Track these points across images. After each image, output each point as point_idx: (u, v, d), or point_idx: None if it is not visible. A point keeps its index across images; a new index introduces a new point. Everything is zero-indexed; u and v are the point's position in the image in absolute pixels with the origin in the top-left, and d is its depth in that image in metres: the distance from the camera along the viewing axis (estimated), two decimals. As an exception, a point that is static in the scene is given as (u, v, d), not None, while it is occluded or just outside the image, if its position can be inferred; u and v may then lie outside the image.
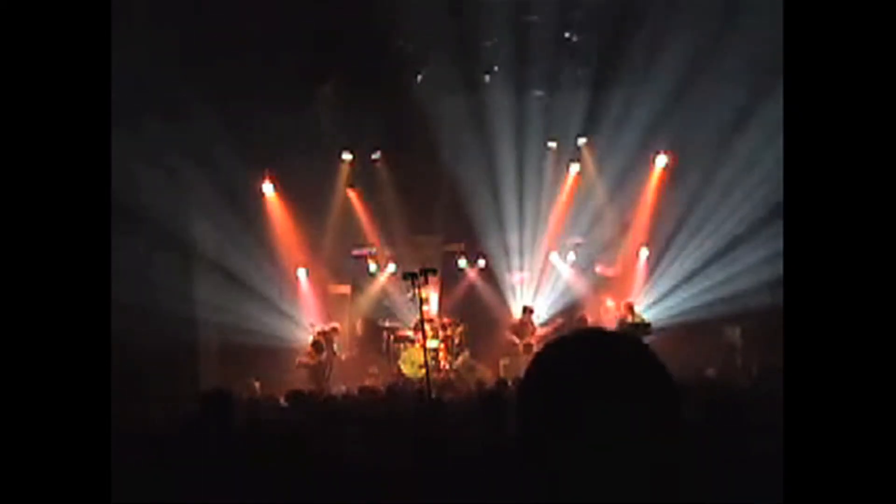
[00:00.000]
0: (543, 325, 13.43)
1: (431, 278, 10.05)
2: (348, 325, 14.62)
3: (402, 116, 12.04)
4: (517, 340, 12.95)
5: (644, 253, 14.00)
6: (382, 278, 14.51)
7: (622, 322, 12.37)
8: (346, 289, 14.86)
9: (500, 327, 14.18)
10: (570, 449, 0.92)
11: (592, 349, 1.01)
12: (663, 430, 0.94)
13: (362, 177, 14.02)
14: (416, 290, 9.22)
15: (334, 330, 12.88)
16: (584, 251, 14.46)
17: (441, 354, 13.15)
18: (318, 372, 12.16)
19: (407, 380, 12.03)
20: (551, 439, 0.94)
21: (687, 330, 11.76)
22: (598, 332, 1.06)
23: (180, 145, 10.70)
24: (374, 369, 13.38)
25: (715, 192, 12.01)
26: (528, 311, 13.37)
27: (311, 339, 12.56)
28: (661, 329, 12.08)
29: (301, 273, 13.93)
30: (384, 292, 14.36)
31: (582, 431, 0.93)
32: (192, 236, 11.74)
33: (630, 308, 12.66)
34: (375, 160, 13.86)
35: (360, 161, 13.85)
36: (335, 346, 12.77)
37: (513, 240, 13.95)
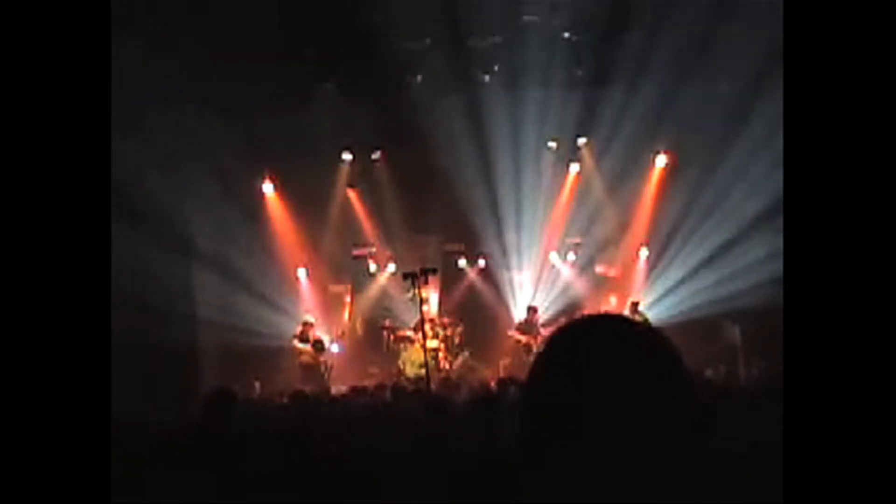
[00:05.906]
0: (545, 325, 13.38)
1: (431, 278, 10.04)
2: (348, 325, 14.62)
3: (402, 116, 12.01)
4: (523, 339, 12.76)
5: (644, 252, 14.00)
6: (382, 278, 14.50)
7: None
8: (345, 288, 14.86)
9: (500, 327, 14.17)
10: (580, 440, 0.91)
11: (608, 335, 0.99)
12: (676, 423, 0.93)
13: (362, 177, 14.00)
14: (416, 290, 9.21)
15: (310, 325, 12.74)
16: (584, 251, 14.46)
17: (441, 354, 13.13)
18: (318, 372, 12.16)
19: (407, 379, 12.02)
20: (559, 431, 0.92)
21: (687, 330, 11.72)
22: (614, 318, 1.03)
23: (181, 145, 10.70)
24: (374, 369, 13.37)
25: (714, 191, 12.00)
26: (532, 310, 13.24)
27: (298, 329, 12.52)
28: (661, 329, 12.00)
29: (301, 273, 13.94)
30: (384, 292, 14.35)
31: (593, 423, 0.91)
32: (193, 236, 11.74)
33: (635, 307, 12.64)
34: (375, 160, 13.84)
35: (360, 161, 13.83)
36: (325, 341, 12.79)
37: (512, 239, 13.94)
